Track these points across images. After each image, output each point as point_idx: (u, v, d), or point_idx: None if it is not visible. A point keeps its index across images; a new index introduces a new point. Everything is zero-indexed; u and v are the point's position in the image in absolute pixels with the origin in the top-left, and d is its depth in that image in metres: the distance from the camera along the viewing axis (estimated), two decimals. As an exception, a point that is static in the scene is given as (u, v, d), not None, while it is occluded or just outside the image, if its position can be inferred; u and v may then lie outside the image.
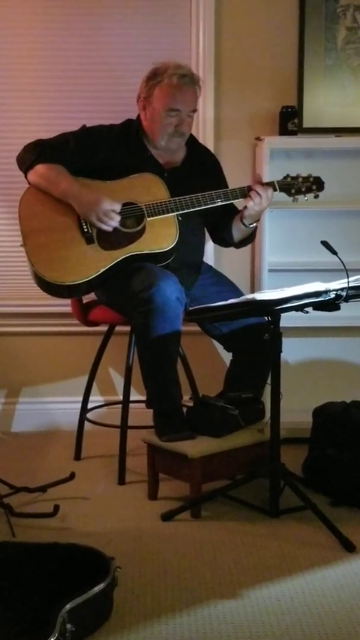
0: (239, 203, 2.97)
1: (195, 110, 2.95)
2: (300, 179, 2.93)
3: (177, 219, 2.86)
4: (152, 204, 2.84)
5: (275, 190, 2.91)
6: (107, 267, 2.83)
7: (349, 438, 2.74)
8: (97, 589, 1.90)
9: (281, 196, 3.01)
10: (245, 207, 2.89)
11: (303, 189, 2.93)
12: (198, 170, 3.05)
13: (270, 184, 2.91)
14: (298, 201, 2.95)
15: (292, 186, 2.93)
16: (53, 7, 3.44)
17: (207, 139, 3.45)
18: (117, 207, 2.80)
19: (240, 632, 1.92)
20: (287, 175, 2.94)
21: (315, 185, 2.93)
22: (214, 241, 3.22)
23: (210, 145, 3.42)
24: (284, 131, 3.38)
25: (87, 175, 2.90)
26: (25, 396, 3.71)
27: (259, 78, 3.50)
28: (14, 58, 3.47)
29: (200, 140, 3.31)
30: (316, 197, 2.95)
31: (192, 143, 3.08)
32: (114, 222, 2.80)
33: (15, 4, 3.44)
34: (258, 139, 3.43)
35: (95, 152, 2.93)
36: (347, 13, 3.44)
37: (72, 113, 3.44)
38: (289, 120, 3.37)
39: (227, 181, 3.11)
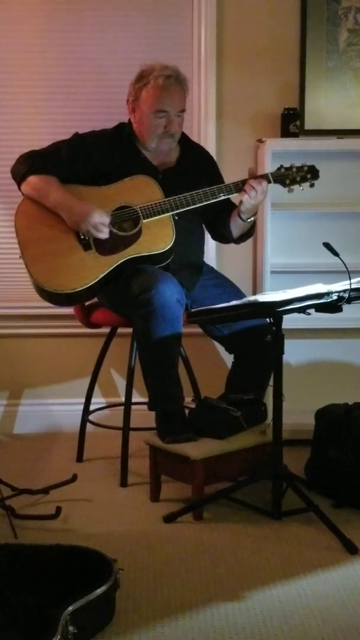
0: (235, 198, 2.95)
1: (183, 110, 2.92)
2: (294, 169, 2.89)
3: (173, 218, 2.86)
4: (147, 205, 2.83)
5: (269, 182, 2.88)
6: (106, 272, 2.82)
7: (351, 440, 2.73)
8: (99, 591, 1.90)
9: (283, 197, 3.01)
10: (241, 202, 2.87)
11: (298, 179, 2.89)
12: (193, 168, 3.03)
13: (264, 177, 2.88)
14: (294, 192, 2.90)
15: (287, 177, 2.89)
16: (52, 9, 3.44)
17: (209, 141, 3.45)
18: (106, 220, 2.80)
19: (243, 634, 1.92)
20: (281, 166, 2.92)
21: (310, 173, 2.89)
22: (213, 238, 3.20)
23: (212, 147, 3.42)
24: (285, 133, 3.39)
25: (82, 182, 2.90)
26: (27, 398, 3.71)
27: (260, 80, 3.50)
28: (13, 60, 3.47)
29: (202, 143, 3.31)
30: (312, 186, 2.91)
31: (185, 141, 3.06)
32: (104, 234, 2.80)
33: (14, 6, 3.44)
34: (260, 141, 3.42)
35: (89, 159, 2.92)
36: (348, 15, 3.44)
37: (73, 115, 3.45)
38: (291, 122, 3.38)
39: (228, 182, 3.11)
